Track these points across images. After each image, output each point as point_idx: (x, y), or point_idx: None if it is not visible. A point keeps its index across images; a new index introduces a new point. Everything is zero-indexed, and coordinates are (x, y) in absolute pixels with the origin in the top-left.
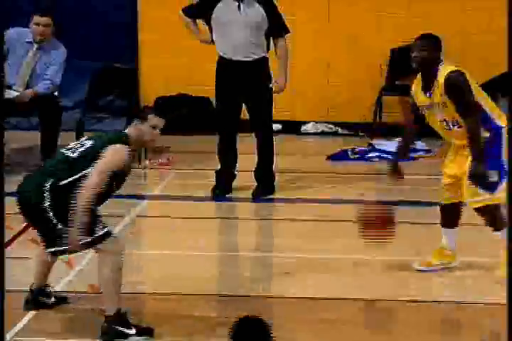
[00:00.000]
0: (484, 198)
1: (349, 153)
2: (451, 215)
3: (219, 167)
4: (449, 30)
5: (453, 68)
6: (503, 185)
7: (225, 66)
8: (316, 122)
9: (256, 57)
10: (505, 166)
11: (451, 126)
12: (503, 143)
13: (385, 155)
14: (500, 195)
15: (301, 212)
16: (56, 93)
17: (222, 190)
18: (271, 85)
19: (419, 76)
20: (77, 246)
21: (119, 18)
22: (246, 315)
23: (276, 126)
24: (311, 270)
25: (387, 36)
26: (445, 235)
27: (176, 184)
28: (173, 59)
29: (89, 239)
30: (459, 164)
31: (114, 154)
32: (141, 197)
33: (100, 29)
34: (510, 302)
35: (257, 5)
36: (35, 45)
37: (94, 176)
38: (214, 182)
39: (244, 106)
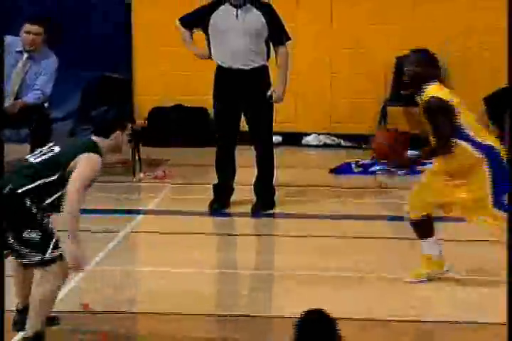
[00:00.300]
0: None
1: (352, 166)
2: (421, 228)
3: (217, 181)
4: (455, 32)
5: (436, 92)
6: None
7: (223, 75)
8: (319, 134)
9: (255, 65)
10: None
11: None
12: (502, 163)
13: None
14: None
15: (303, 228)
16: (46, 104)
17: (220, 204)
18: (269, 93)
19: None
20: (83, 264)
21: (114, 27)
22: (311, 310)
23: (276, 138)
24: (311, 288)
25: (391, 44)
26: (424, 244)
27: (172, 198)
28: (169, 68)
29: (38, 259)
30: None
31: (89, 163)
32: (136, 212)
33: (93, 36)
34: (510, 307)
35: (256, 11)
36: (25, 55)
37: (73, 186)
38: (212, 197)
39: (243, 117)
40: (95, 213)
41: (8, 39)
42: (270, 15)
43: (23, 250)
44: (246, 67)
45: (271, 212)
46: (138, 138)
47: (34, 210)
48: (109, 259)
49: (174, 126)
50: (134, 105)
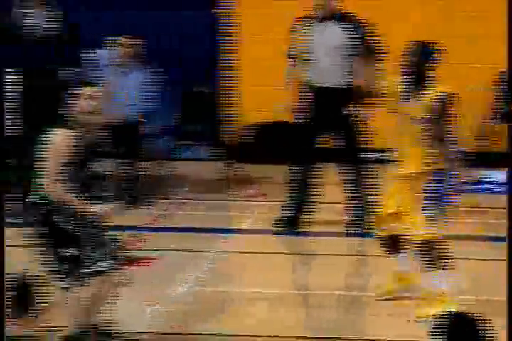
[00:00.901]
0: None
1: None
2: (390, 244)
3: (302, 199)
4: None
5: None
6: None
7: (310, 92)
8: None
9: (343, 83)
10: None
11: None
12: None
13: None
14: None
15: None
16: (145, 120)
17: (300, 223)
18: (346, 112)
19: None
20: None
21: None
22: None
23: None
24: (406, 309)
25: None
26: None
27: (265, 217)
28: (271, 84)
29: (84, 271)
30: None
31: (53, 142)
32: (227, 231)
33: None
34: (510, 303)
35: (345, 26)
36: (116, 68)
37: (48, 179)
38: (305, 216)
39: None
40: (186, 231)
41: (98, 52)
42: (359, 30)
43: (62, 267)
44: (334, 86)
45: (368, 232)
46: (232, 155)
47: (64, 226)
48: (199, 280)
49: (275, 143)
50: (231, 120)
